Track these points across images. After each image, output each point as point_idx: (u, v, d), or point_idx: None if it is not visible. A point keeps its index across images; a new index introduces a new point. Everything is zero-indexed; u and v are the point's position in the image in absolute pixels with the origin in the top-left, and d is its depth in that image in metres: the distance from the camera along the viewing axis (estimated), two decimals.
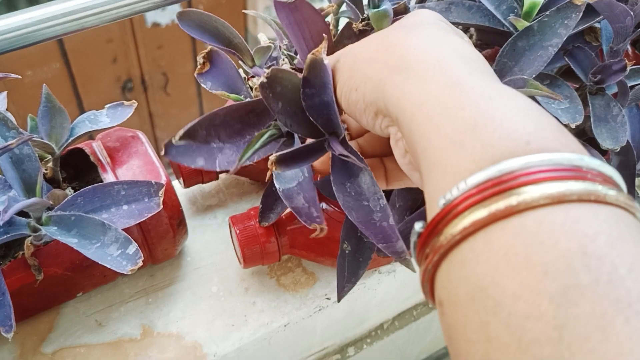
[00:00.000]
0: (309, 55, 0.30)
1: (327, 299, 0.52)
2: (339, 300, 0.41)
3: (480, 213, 0.21)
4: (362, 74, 0.29)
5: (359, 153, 0.31)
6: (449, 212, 0.22)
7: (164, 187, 0.43)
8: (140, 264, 0.36)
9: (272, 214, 0.45)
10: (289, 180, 0.37)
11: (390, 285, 0.56)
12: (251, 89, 0.47)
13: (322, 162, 0.35)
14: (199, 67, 0.49)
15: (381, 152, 0.35)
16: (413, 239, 0.24)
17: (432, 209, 0.23)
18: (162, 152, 0.40)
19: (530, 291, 0.19)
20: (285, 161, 0.40)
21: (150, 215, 0.41)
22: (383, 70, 0.28)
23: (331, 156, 0.33)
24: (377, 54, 0.29)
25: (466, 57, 0.27)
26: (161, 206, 0.41)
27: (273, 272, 0.53)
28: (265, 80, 0.29)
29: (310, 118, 0.31)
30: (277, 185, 0.37)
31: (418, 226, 0.24)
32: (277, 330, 0.50)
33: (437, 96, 0.25)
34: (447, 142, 0.23)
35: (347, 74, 0.30)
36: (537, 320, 0.19)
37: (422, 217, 0.42)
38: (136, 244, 0.37)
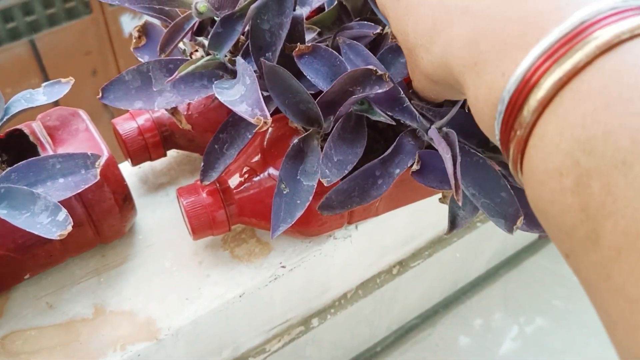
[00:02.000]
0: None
1: (283, 267, 0.51)
2: (272, 236, 0.40)
3: (565, 66, 0.21)
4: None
5: None
6: (530, 79, 0.22)
7: (101, 159, 0.42)
8: (70, 229, 0.36)
9: (214, 172, 0.44)
10: (231, 95, 0.37)
11: (348, 252, 0.56)
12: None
13: None
14: (134, 41, 0.48)
15: None
16: (497, 124, 0.25)
17: (495, 91, 0.24)
18: (99, 96, 0.40)
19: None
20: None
21: (86, 186, 0.40)
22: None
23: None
24: None
25: None
26: (98, 177, 0.41)
27: (227, 244, 0.52)
28: None
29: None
30: (220, 98, 0.36)
31: (505, 92, 0.24)
32: (232, 301, 0.49)
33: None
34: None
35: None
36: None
37: (375, 168, 0.41)
38: (65, 211, 0.36)
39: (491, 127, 0.26)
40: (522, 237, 0.86)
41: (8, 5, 1.20)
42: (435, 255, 0.68)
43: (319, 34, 0.49)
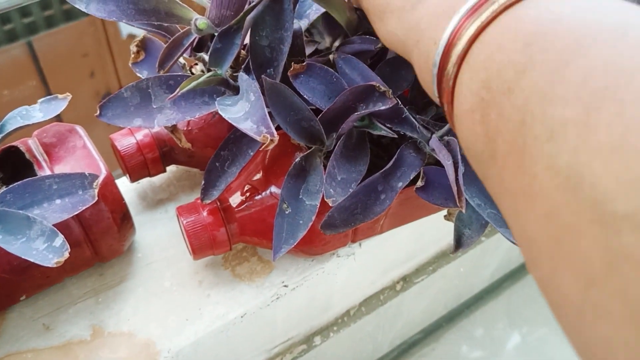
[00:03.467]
0: None
1: (285, 286, 0.50)
2: (274, 259, 0.39)
3: (475, 24, 0.26)
4: None
5: None
6: (453, 40, 0.27)
7: (99, 179, 0.41)
8: (67, 255, 0.34)
9: (215, 190, 0.43)
10: (234, 112, 0.36)
11: (351, 269, 0.54)
12: (192, 74, 0.45)
13: None
14: (132, 56, 0.47)
15: None
16: (434, 87, 0.29)
17: (429, 58, 0.29)
18: (97, 113, 0.39)
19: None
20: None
21: (84, 207, 0.39)
22: None
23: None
24: None
25: None
26: (96, 198, 0.40)
27: (228, 262, 0.51)
28: None
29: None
30: (224, 115, 0.35)
31: (440, 42, 0.28)
32: (233, 321, 0.48)
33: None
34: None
35: None
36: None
37: (377, 182, 0.40)
38: (62, 236, 0.35)
39: (432, 92, 0.30)
40: None
41: (5, 8, 1.20)
42: (439, 271, 0.67)
43: (317, 50, 0.48)
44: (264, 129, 0.34)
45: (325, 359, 0.63)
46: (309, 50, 0.49)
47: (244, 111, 0.36)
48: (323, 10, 0.46)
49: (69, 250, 0.35)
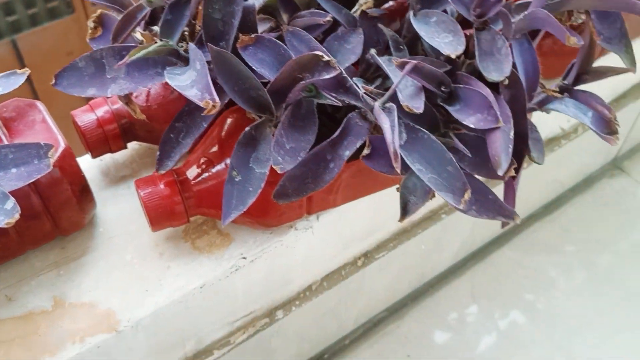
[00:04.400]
0: None
1: (243, 258, 0.51)
2: (223, 223, 0.41)
3: None
4: None
5: None
6: None
7: (56, 149, 0.42)
8: (17, 217, 0.36)
9: (170, 161, 0.45)
10: (183, 80, 0.37)
11: (310, 243, 0.56)
12: None
13: None
14: (90, 32, 0.48)
15: None
16: None
17: None
18: (52, 82, 0.40)
19: None
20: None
21: (39, 176, 0.40)
22: None
23: None
24: None
25: None
26: (51, 167, 0.41)
27: (188, 235, 0.53)
28: None
29: None
30: (171, 83, 0.37)
31: None
32: (193, 292, 0.50)
33: None
34: None
35: None
36: None
37: (326, 151, 0.42)
38: (14, 200, 0.36)
39: None
40: (489, 229, 0.88)
41: None
42: (400, 247, 0.68)
43: (274, 25, 0.50)
44: (208, 96, 0.35)
45: (288, 334, 0.65)
46: (264, 27, 0.50)
47: (191, 79, 0.37)
48: None
49: (20, 212, 0.36)
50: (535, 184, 0.86)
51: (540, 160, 0.47)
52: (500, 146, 0.39)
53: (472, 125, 0.40)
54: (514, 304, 0.85)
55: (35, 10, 1.26)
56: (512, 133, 0.40)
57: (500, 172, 0.39)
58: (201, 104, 0.35)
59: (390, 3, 0.54)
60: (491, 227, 0.87)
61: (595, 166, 1.01)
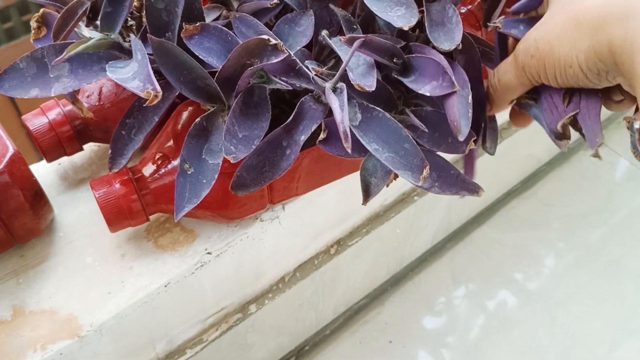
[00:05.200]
0: None
1: (208, 253, 0.50)
2: (176, 217, 0.40)
3: None
4: (568, 51, 0.35)
5: None
6: None
7: (2, 154, 0.40)
8: None
9: (122, 158, 0.43)
10: (124, 73, 0.36)
11: (278, 234, 0.55)
12: None
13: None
14: (33, 32, 0.46)
15: None
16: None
17: None
18: None
19: None
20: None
21: None
22: (590, 35, 0.33)
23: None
24: (567, 29, 0.34)
25: None
26: None
27: (150, 234, 0.51)
28: None
29: None
30: (111, 76, 0.35)
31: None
32: (157, 291, 0.48)
33: None
34: None
35: (551, 60, 0.36)
36: None
37: (281, 137, 0.40)
38: None
39: None
40: (466, 209, 0.87)
41: None
42: (373, 232, 0.67)
43: (225, 13, 0.48)
44: (149, 86, 0.34)
45: (264, 328, 0.64)
46: (214, 15, 0.49)
47: (133, 71, 0.36)
48: None
49: None
50: (510, 160, 0.85)
51: (492, 151, 0.45)
52: (459, 111, 0.38)
53: (428, 94, 0.38)
54: (498, 282, 0.84)
55: (11, 24, 1.24)
56: (470, 97, 0.39)
57: (460, 138, 0.38)
58: (142, 94, 0.33)
59: None
60: (468, 206, 0.86)
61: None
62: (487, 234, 0.89)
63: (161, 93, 0.33)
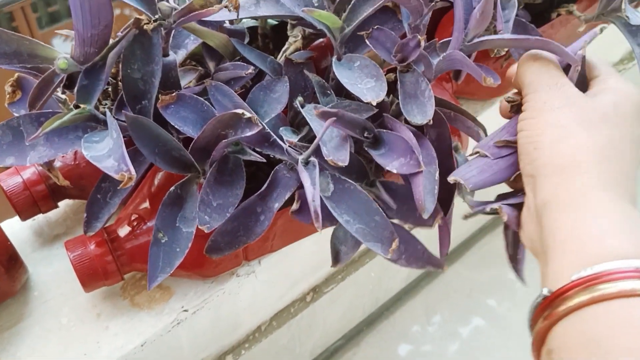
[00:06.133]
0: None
1: (185, 310, 0.50)
2: (149, 288, 0.40)
3: (609, 289, 0.30)
4: (530, 157, 0.37)
5: None
6: (581, 284, 0.30)
7: None
8: None
9: (98, 222, 0.44)
10: (99, 150, 0.37)
11: (255, 287, 0.55)
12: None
13: None
14: (8, 96, 0.47)
15: None
16: (537, 300, 0.33)
17: (554, 283, 0.32)
18: None
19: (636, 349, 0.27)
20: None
21: None
22: (539, 168, 0.36)
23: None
24: (541, 152, 0.36)
25: (603, 168, 0.34)
26: None
27: (126, 292, 0.51)
28: None
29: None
30: (86, 154, 0.36)
31: (545, 290, 0.32)
32: (133, 351, 0.48)
33: (565, 203, 0.34)
34: (561, 246, 0.33)
35: (525, 145, 0.37)
36: None
37: (256, 204, 0.41)
38: None
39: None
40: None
41: None
42: (349, 278, 0.68)
43: (203, 73, 0.49)
44: (124, 167, 0.34)
45: None
46: (190, 77, 0.49)
47: (108, 148, 0.36)
48: (201, 40, 0.47)
49: None
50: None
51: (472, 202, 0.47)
52: (424, 189, 0.39)
53: (395, 171, 0.40)
54: (471, 311, 0.85)
55: None
56: (437, 174, 0.40)
57: (425, 216, 0.39)
58: (117, 176, 0.34)
59: (321, 40, 0.54)
60: None
61: None
62: (459, 271, 0.91)
63: (135, 175, 0.34)
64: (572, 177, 0.34)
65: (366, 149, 0.42)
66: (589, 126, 0.35)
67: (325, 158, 0.38)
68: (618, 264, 0.30)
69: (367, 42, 0.44)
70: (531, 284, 0.88)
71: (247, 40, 0.49)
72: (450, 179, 0.39)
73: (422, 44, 0.42)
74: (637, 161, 0.36)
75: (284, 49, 0.49)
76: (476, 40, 0.42)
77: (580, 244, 0.32)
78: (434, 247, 0.47)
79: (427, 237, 0.48)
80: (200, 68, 0.50)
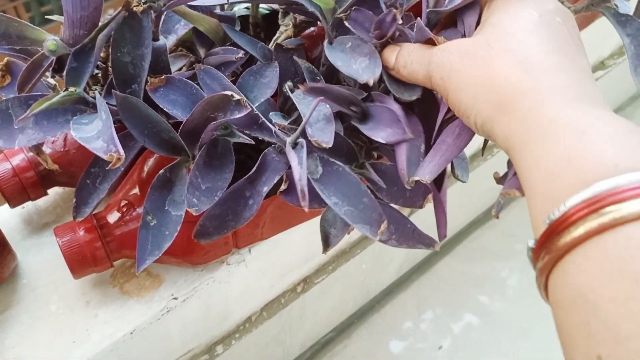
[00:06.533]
0: None
1: (175, 298, 0.50)
2: (137, 270, 0.40)
3: (578, 231, 0.25)
4: (470, 107, 0.33)
5: None
6: (552, 231, 0.26)
7: None
8: None
9: (87, 207, 0.44)
10: (88, 131, 0.36)
11: (245, 276, 0.55)
12: None
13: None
14: None
15: None
16: (528, 254, 0.29)
17: (538, 228, 0.28)
18: None
19: (624, 297, 0.23)
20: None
21: None
22: (489, 109, 0.32)
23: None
24: (479, 93, 0.33)
25: (560, 79, 0.30)
26: None
27: (116, 280, 0.51)
28: None
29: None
30: (75, 135, 0.36)
31: (530, 242, 0.28)
32: (123, 339, 0.48)
33: (537, 135, 0.29)
34: (547, 174, 0.28)
35: (455, 99, 0.34)
36: (630, 320, 0.23)
37: (244, 188, 0.41)
38: None
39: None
40: None
41: None
42: (339, 269, 0.68)
43: (192, 63, 0.49)
44: (112, 148, 0.34)
45: None
46: (181, 63, 0.49)
47: (97, 130, 0.36)
48: (191, 25, 0.47)
49: None
50: (472, 192, 0.87)
51: (465, 178, 0.47)
52: (408, 160, 0.38)
53: (382, 140, 0.39)
54: (462, 307, 0.86)
55: None
56: (422, 147, 0.40)
57: (407, 186, 0.38)
58: (105, 157, 0.34)
59: (312, 29, 0.54)
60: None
61: None
62: (451, 264, 0.91)
63: (124, 156, 0.34)
64: (535, 106, 0.30)
65: (354, 124, 0.42)
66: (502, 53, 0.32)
67: (310, 139, 0.38)
68: (629, 177, 0.24)
69: (346, 23, 0.43)
70: (523, 283, 0.89)
71: (238, 27, 0.49)
72: (410, 182, 0.39)
73: (398, 18, 0.41)
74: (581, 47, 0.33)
75: (275, 37, 0.49)
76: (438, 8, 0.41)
77: (568, 162, 0.27)
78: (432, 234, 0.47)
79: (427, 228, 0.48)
80: (191, 55, 0.50)
